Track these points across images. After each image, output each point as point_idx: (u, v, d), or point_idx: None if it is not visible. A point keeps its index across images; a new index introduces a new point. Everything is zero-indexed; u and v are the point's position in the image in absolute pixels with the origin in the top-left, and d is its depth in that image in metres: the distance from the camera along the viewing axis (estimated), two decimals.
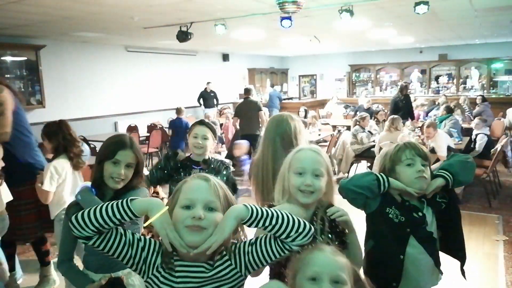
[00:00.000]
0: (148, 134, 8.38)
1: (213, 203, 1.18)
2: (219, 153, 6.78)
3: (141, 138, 8.32)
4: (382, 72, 14.76)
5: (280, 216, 1.17)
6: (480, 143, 5.99)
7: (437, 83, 13.68)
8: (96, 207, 1.16)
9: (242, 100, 7.53)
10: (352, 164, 6.74)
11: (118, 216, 1.14)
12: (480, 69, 13.07)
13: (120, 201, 1.16)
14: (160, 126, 9.56)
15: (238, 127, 7.33)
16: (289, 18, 5.46)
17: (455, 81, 13.39)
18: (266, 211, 1.17)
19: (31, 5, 4.87)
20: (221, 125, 10.06)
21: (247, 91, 7.33)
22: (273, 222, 1.16)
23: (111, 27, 6.78)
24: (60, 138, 2.86)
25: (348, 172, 6.68)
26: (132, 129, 8.89)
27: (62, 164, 2.84)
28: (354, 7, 5.24)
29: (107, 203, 1.17)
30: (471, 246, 4.13)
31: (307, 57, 15.65)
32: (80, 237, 1.15)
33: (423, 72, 13.87)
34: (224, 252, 1.21)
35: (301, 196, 1.48)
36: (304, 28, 7.60)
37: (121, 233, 1.20)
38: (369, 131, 6.75)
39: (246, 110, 7.01)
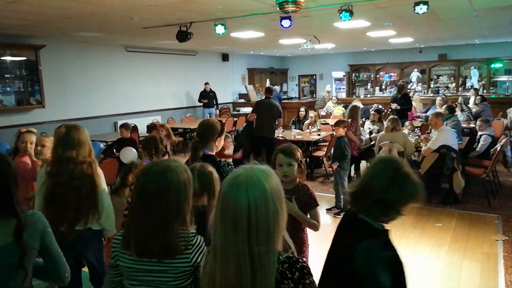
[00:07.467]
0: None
1: None
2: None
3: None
4: (381, 72, 14.76)
5: None
6: (483, 144, 5.98)
7: (437, 83, 13.68)
8: None
9: (262, 98, 6.98)
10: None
11: None
12: (480, 69, 13.07)
13: None
14: None
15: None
16: (289, 18, 5.46)
17: (454, 80, 13.40)
18: None
19: (31, 5, 4.86)
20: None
21: (269, 91, 6.77)
22: None
23: (111, 27, 6.78)
24: None
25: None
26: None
27: None
28: (354, 7, 5.24)
29: None
30: (470, 246, 4.13)
31: (306, 57, 15.64)
32: None
33: (422, 72, 13.87)
34: None
35: None
36: (304, 28, 7.60)
37: None
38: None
39: (266, 111, 6.49)
